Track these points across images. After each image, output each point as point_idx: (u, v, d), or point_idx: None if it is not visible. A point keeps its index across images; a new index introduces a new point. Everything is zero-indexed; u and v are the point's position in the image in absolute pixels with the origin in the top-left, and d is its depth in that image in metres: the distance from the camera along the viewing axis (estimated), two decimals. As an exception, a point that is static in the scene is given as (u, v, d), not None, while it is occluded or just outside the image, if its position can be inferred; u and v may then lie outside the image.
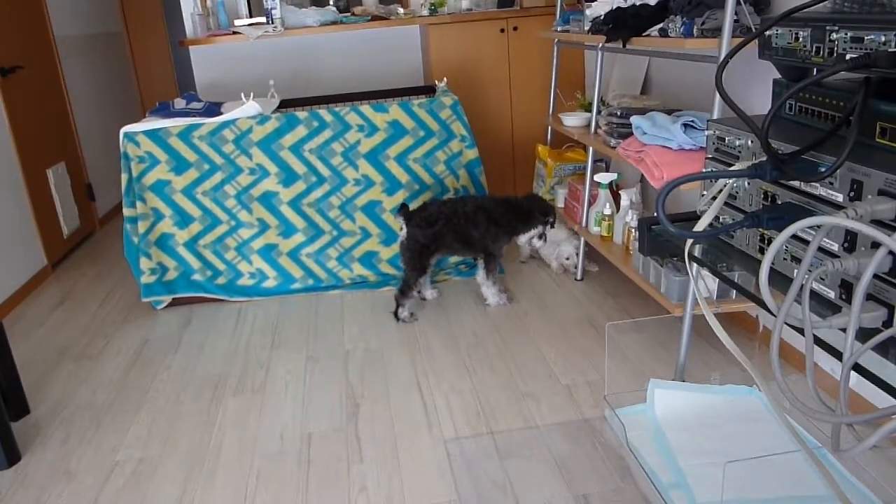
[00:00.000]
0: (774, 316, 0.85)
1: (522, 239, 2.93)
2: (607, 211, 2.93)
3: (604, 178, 2.96)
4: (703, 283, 2.29)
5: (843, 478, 1.81)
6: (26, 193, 3.61)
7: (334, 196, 3.14)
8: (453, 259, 3.30)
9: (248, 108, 3.06)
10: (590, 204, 3.07)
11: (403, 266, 2.87)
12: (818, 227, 0.81)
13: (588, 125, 3.04)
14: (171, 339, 2.87)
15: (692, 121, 2.28)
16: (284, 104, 3.59)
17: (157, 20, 6.09)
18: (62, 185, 4.06)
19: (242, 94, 3.22)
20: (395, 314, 2.85)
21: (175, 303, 3.18)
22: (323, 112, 3.08)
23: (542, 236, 2.94)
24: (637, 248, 2.62)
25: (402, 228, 2.83)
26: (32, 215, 3.64)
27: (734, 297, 2.35)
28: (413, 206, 2.94)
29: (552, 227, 2.97)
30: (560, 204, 3.44)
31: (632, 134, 2.52)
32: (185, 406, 2.37)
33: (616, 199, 2.96)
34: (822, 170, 0.90)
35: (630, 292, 2.96)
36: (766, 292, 0.84)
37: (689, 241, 1.07)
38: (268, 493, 1.90)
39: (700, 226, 1.04)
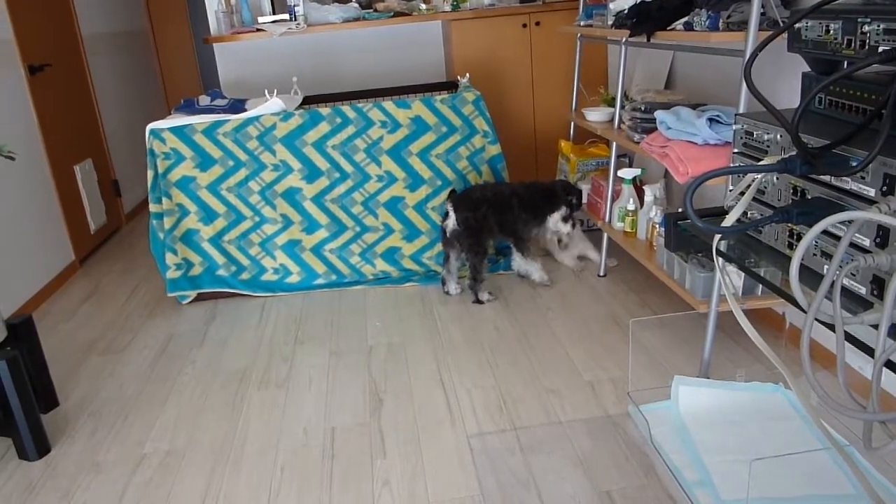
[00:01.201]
0: (804, 312, 0.84)
1: (550, 223, 3.03)
2: (631, 206, 2.91)
3: (627, 173, 2.94)
4: (729, 279, 2.27)
5: (872, 477, 1.79)
6: (54, 190, 3.67)
7: (357, 192, 3.15)
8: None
9: (271, 105, 3.08)
10: (613, 199, 3.05)
11: (465, 252, 2.93)
12: (849, 222, 0.80)
13: (611, 120, 3.02)
14: (196, 334, 2.90)
15: (717, 115, 2.25)
16: (307, 101, 3.61)
17: (181, 18, 6.15)
18: (89, 182, 4.12)
19: (266, 91, 3.24)
20: (477, 299, 2.95)
21: (200, 298, 3.21)
22: (346, 108, 3.09)
23: (567, 219, 3.02)
24: (661, 244, 2.60)
25: (447, 215, 2.92)
26: (61, 211, 3.70)
27: (760, 293, 2.33)
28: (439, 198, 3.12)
29: (577, 207, 3.04)
30: (583, 200, 3.43)
31: (656, 129, 2.50)
32: (211, 399, 2.39)
33: (640, 194, 2.94)
34: (854, 164, 0.89)
35: (653, 288, 2.94)
36: (796, 287, 0.83)
37: (717, 237, 1.06)
38: (292, 487, 1.91)
39: (728, 221, 1.03)
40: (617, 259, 3.23)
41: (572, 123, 3.56)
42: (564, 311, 2.82)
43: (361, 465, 1.98)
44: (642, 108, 2.63)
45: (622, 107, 2.88)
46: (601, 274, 3.15)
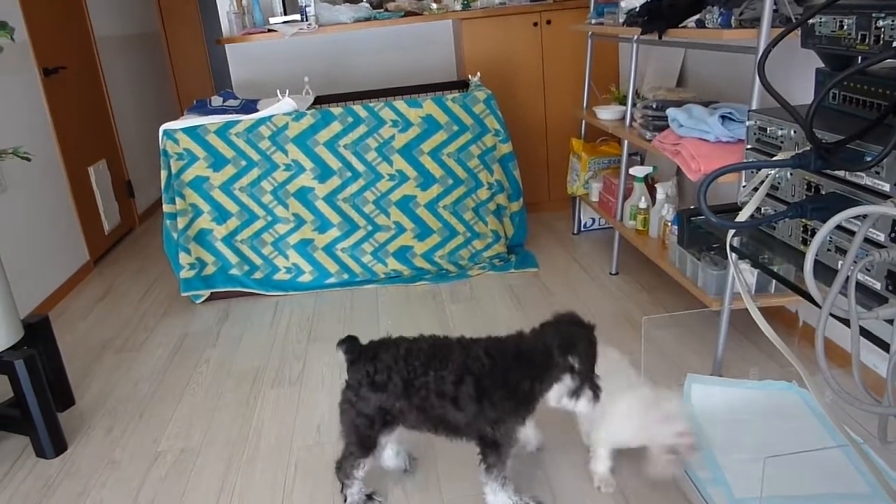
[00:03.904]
0: (819, 307, 0.84)
1: (552, 401, 1.66)
2: (643, 205, 2.91)
3: (639, 171, 2.94)
4: (742, 276, 2.26)
5: (888, 474, 1.78)
6: (69, 191, 3.70)
7: (369, 191, 3.16)
8: (487, 253, 3.30)
9: (283, 105, 3.10)
10: (625, 198, 3.05)
11: (341, 431, 1.75)
12: (864, 217, 0.80)
13: (623, 118, 3.01)
14: (209, 333, 2.92)
15: (730, 113, 2.25)
16: (319, 100, 3.62)
17: (193, 19, 6.18)
18: (103, 183, 4.15)
19: (278, 91, 3.25)
20: (342, 492, 1.78)
21: (213, 297, 3.23)
22: (357, 108, 3.10)
23: (576, 392, 1.63)
24: (673, 242, 2.59)
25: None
26: (75, 212, 3.73)
27: (773, 291, 2.32)
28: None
29: (582, 372, 1.62)
30: (595, 199, 3.43)
31: (668, 126, 2.49)
32: (225, 398, 2.41)
33: (651, 192, 2.94)
34: (869, 159, 0.89)
35: (665, 286, 2.93)
36: (811, 282, 0.83)
37: (731, 232, 1.06)
38: (305, 485, 1.92)
39: (742, 216, 1.03)
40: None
41: (584, 122, 3.56)
42: (577, 310, 2.80)
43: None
44: (654, 106, 2.63)
45: (634, 105, 2.88)
46: (613, 272, 3.15)
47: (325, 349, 2.68)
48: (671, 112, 2.43)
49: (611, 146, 3.55)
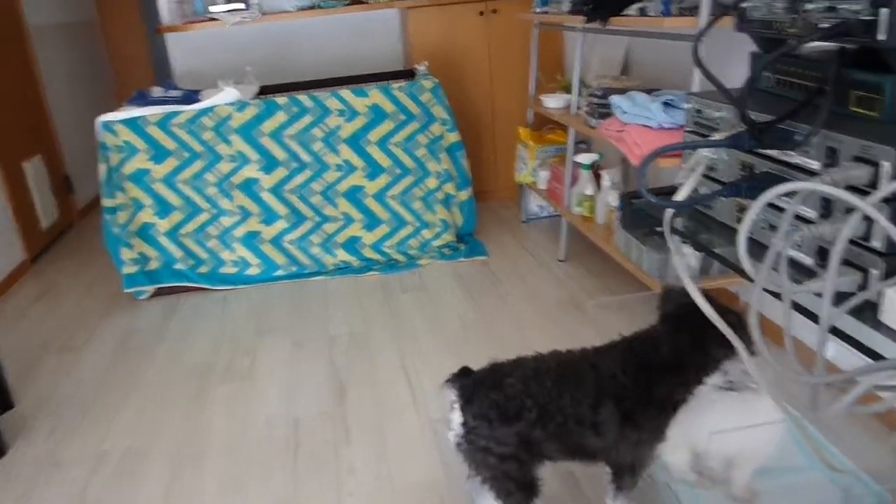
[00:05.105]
0: (751, 281, 0.87)
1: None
2: (589, 191, 2.95)
3: (585, 158, 2.98)
4: (683, 259, 2.31)
5: (823, 446, 1.84)
6: (3, 188, 3.56)
7: (316, 182, 3.13)
8: (436, 242, 3.30)
9: (226, 95, 3.04)
10: (572, 185, 3.08)
11: (489, 488, 1.48)
12: (794, 193, 0.82)
13: (568, 106, 3.05)
14: (155, 329, 2.86)
15: (671, 99, 2.29)
16: (264, 90, 3.56)
17: (131, 7, 6.01)
18: (39, 178, 4.01)
19: (220, 81, 3.19)
20: None
21: (158, 293, 3.16)
22: (303, 97, 3.07)
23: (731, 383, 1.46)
24: (619, 228, 2.63)
25: (452, 410, 1.46)
26: (10, 210, 3.59)
27: (714, 274, 2.37)
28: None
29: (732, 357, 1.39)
30: (542, 186, 3.46)
31: (612, 114, 2.53)
32: (173, 395, 2.36)
33: (598, 179, 2.98)
34: (798, 138, 0.91)
35: (612, 271, 2.98)
36: (743, 255, 0.85)
37: (670, 212, 1.08)
38: (258, 478, 1.90)
39: (679, 196, 1.06)
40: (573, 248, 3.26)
41: (530, 110, 3.58)
42: (525, 297, 2.84)
43: (326, 454, 1.98)
44: (598, 94, 2.66)
45: (579, 93, 2.91)
46: (561, 259, 3.18)
47: (275, 342, 2.65)
48: (614, 100, 2.46)
49: (557, 134, 3.58)
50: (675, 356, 1.35)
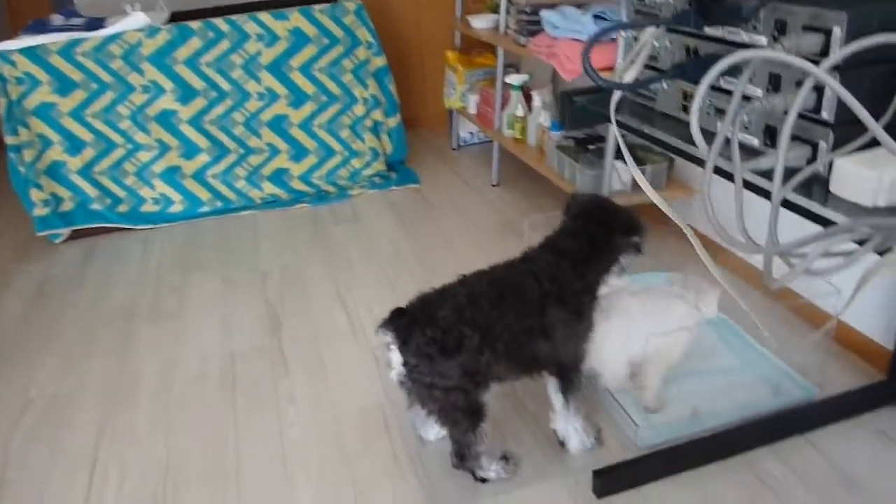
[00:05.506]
0: (701, 165, 0.85)
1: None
2: (520, 113, 2.91)
3: (515, 79, 2.93)
4: (618, 175, 2.32)
5: (755, 350, 1.91)
6: None
7: (237, 112, 2.99)
8: (367, 171, 3.22)
9: (134, 20, 2.84)
10: (502, 107, 3.03)
11: (438, 421, 1.52)
12: (746, 65, 0.80)
13: (497, 26, 2.97)
14: (74, 273, 2.71)
15: (602, 12, 2.25)
16: (176, 17, 3.34)
17: (21, -67, 5.52)
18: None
19: (127, 6, 2.97)
20: (477, 476, 1.55)
21: (75, 235, 2.99)
22: (218, 22, 2.89)
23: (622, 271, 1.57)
24: (552, 147, 2.61)
25: (390, 351, 1.43)
26: None
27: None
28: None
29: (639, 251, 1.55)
30: (472, 111, 3.40)
31: (542, 30, 2.48)
32: (97, 339, 2.26)
33: (528, 101, 2.94)
34: (746, 12, 0.88)
35: (546, 192, 2.98)
36: (696, 130, 0.83)
37: (615, 96, 1.05)
38: (194, 416, 1.85)
39: (626, 79, 1.03)
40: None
41: (458, 32, 3.49)
42: (460, 222, 2.82)
43: (265, 387, 1.93)
44: (527, 11, 2.60)
45: (507, 12, 2.83)
46: (494, 183, 3.16)
47: (203, 280, 2.56)
48: (545, 14, 2.41)
49: (486, 58, 3.51)
50: (592, 244, 1.47)
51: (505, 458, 1.56)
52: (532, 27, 2.58)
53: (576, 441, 1.61)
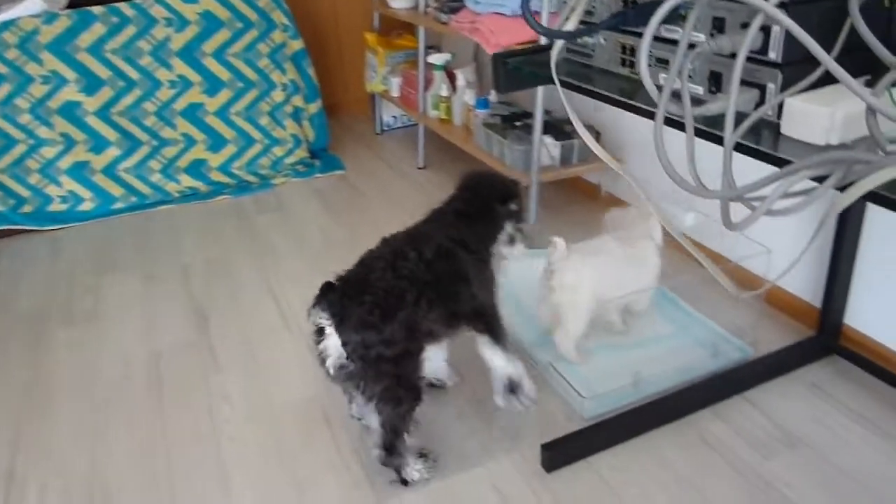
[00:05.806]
0: (648, 117, 0.83)
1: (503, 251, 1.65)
2: (444, 93, 2.87)
3: (437, 59, 2.89)
4: (546, 150, 2.31)
5: (691, 316, 1.93)
6: None
7: (148, 101, 2.83)
8: (289, 159, 3.12)
9: (29, 6, 2.65)
10: (426, 88, 2.99)
11: (372, 402, 1.43)
12: (691, 7, 0.78)
13: (416, 5, 2.92)
14: (-24, 279, 2.52)
15: (523, -15, 2.23)
16: (76, 2, 3.14)
17: None
18: None
19: (19, -9, 2.77)
20: (401, 478, 1.49)
21: (-25, 239, 2.78)
22: (122, 6, 2.73)
23: (513, 238, 1.63)
24: (478, 125, 2.58)
25: (320, 331, 1.40)
26: None
27: (574, 162, 2.39)
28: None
29: (519, 218, 1.65)
30: (395, 94, 3.34)
31: (464, 7, 2.44)
32: (6, 346, 2.10)
33: (452, 80, 2.90)
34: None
35: (474, 174, 2.94)
36: (644, 72, 0.80)
37: (555, 56, 1.02)
38: (118, 420, 1.74)
39: (567, 27, 1.00)
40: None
41: (376, 13, 3.41)
42: (387, 206, 2.76)
43: (195, 385, 1.84)
44: (447, -13, 2.55)
45: (426, -11, 2.78)
46: (420, 166, 3.11)
47: (121, 278, 2.42)
48: (465, -10, 2.37)
49: (407, 39, 3.45)
50: (482, 207, 1.59)
51: (423, 455, 1.51)
52: (453, 3, 2.54)
53: (527, 381, 1.64)
